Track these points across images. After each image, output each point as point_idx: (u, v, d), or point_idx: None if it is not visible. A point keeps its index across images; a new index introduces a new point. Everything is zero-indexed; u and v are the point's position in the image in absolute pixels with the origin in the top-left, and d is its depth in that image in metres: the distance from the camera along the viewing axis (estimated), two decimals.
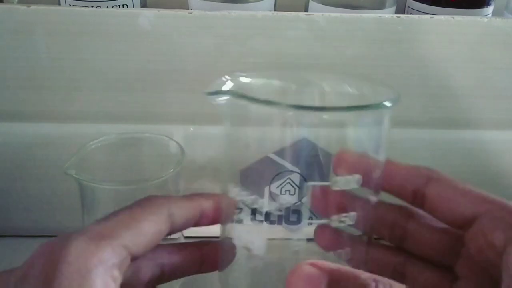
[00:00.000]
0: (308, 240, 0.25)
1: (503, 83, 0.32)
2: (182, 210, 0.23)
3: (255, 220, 0.36)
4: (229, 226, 0.25)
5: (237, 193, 0.25)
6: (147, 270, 0.24)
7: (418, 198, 0.24)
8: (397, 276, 0.25)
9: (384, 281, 0.18)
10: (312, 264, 0.19)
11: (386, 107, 0.22)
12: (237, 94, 0.22)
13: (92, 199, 0.29)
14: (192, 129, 0.33)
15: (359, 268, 0.19)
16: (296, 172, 0.34)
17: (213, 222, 0.25)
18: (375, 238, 0.26)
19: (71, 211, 0.30)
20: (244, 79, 0.25)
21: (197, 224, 0.25)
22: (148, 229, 0.21)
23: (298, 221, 0.36)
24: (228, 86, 0.24)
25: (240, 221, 0.25)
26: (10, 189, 0.34)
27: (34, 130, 0.32)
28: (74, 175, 0.27)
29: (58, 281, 0.18)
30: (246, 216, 0.36)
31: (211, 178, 0.35)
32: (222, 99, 0.23)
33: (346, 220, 0.23)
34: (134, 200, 0.26)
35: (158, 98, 0.32)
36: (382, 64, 0.31)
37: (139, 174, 0.28)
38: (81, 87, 0.31)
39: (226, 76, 0.24)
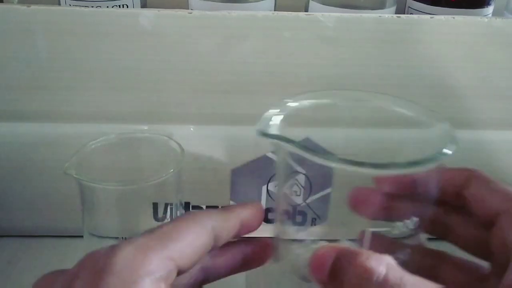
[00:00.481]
0: None
1: (503, 83, 0.32)
2: (223, 223, 0.23)
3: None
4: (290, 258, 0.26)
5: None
6: (191, 276, 0.24)
7: (459, 198, 0.25)
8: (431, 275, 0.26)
9: (381, 258, 0.20)
10: (327, 246, 0.21)
11: (446, 155, 0.22)
12: (285, 139, 0.23)
13: (92, 199, 0.29)
14: (192, 129, 0.33)
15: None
16: (301, 173, 0.34)
17: (252, 230, 0.26)
18: None
19: (71, 211, 0.30)
20: (292, 105, 0.26)
21: (238, 234, 0.25)
22: (194, 241, 0.21)
23: (304, 221, 0.36)
24: (277, 119, 0.24)
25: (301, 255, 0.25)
26: (10, 189, 0.34)
27: (34, 130, 0.32)
28: (74, 175, 0.27)
29: None
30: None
31: (211, 178, 0.35)
32: (271, 141, 0.23)
33: (408, 224, 0.24)
34: (134, 200, 0.26)
35: (158, 98, 0.32)
36: (382, 64, 0.31)
37: (139, 174, 0.28)
38: (81, 87, 0.31)
39: (274, 109, 0.25)
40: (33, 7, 0.29)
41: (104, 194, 0.29)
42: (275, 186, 0.28)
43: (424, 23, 0.30)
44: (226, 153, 0.34)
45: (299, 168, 0.26)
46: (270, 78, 0.31)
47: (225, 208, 0.25)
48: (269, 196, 0.35)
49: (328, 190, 0.28)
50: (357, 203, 0.25)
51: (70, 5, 0.36)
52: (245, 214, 0.25)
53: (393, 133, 0.26)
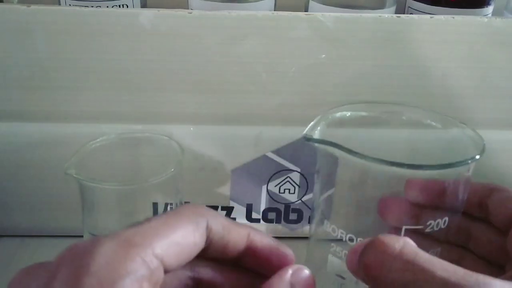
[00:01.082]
0: None
1: (503, 83, 0.32)
2: (219, 226, 0.20)
3: (251, 218, 0.37)
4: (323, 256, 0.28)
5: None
6: (180, 281, 0.21)
7: (482, 209, 0.27)
8: None
9: (395, 236, 0.21)
10: (360, 241, 0.22)
11: (475, 159, 0.25)
12: (331, 144, 0.25)
13: (92, 199, 0.29)
14: (192, 129, 0.33)
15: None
16: (296, 171, 0.34)
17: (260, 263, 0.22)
18: None
19: (71, 211, 0.30)
20: (336, 115, 0.29)
21: (240, 256, 0.21)
22: (183, 238, 0.19)
23: (299, 220, 0.36)
24: (322, 127, 0.27)
25: (335, 254, 0.27)
26: (10, 189, 0.34)
27: (34, 130, 0.32)
28: (74, 175, 0.27)
29: None
30: (241, 215, 0.36)
31: (211, 178, 0.35)
32: (318, 145, 0.26)
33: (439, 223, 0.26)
34: (134, 200, 0.26)
35: (158, 98, 0.32)
36: (382, 64, 0.31)
37: (139, 174, 0.28)
38: (81, 87, 0.31)
39: (319, 118, 0.27)
40: (33, 7, 0.29)
41: (104, 194, 0.29)
42: (314, 191, 0.30)
43: (424, 23, 0.30)
44: (226, 153, 0.34)
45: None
46: (270, 78, 0.31)
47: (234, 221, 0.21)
48: (269, 196, 0.35)
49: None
50: (386, 211, 0.26)
51: (70, 5, 0.36)
52: (258, 238, 0.21)
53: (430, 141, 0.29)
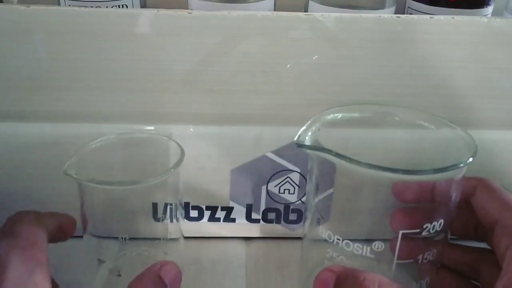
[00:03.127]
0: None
1: (503, 83, 0.32)
2: (50, 224, 0.28)
3: (251, 219, 0.37)
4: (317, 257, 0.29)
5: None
6: None
7: (468, 206, 0.28)
8: (473, 271, 0.29)
9: (374, 277, 0.23)
10: (328, 269, 0.24)
11: (468, 162, 0.25)
12: (322, 150, 0.25)
13: (92, 199, 0.29)
14: (192, 129, 0.33)
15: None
16: (296, 171, 0.34)
17: (66, 237, 0.30)
18: None
19: (71, 211, 0.30)
20: (327, 117, 0.29)
21: (54, 238, 0.29)
22: (45, 238, 0.26)
23: (298, 220, 0.36)
24: (313, 131, 0.27)
25: (331, 259, 0.28)
26: (10, 189, 0.34)
27: (34, 130, 0.32)
28: (74, 175, 0.27)
29: None
30: (241, 215, 0.36)
31: (211, 178, 0.35)
32: (310, 151, 0.26)
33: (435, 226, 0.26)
34: (134, 200, 0.26)
35: (158, 98, 0.32)
36: (382, 64, 0.31)
37: (139, 174, 0.28)
38: (81, 87, 0.31)
39: (311, 121, 0.28)
40: (32, 7, 0.29)
41: (104, 195, 0.29)
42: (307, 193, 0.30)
43: (424, 23, 0.30)
44: (226, 153, 0.34)
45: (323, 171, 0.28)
46: (270, 78, 0.31)
47: (49, 213, 0.29)
48: (269, 196, 0.35)
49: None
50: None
51: (69, 5, 0.36)
52: (62, 220, 0.29)
53: (425, 143, 0.29)
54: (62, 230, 0.29)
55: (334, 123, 0.29)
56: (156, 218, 0.32)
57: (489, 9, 0.38)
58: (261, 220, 0.36)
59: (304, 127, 0.27)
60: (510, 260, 0.24)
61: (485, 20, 0.30)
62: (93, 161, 0.29)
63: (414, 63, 0.31)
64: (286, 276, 0.34)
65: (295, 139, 0.26)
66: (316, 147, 0.26)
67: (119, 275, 0.31)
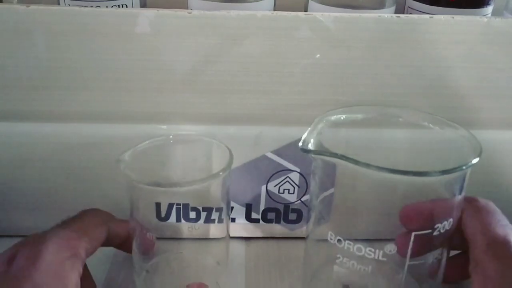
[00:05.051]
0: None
1: (502, 83, 0.32)
2: (116, 228, 0.30)
3: (250, 218, 0.37)
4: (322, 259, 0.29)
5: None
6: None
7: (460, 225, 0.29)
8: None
9: None
10: None
11: (473, 165, 0.25)
12: (330, 154, 0.25)
13: (138, 198, 0.29)
14: (191, 129, 0.33)
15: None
16: (295, 171, 0.34)
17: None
18: None
19: (71, 211, 0.30)
20: (332, 118, 0.29)
21: (122, 245, 0.31)
22: (98, 235, 0.28)
23: (298, 220, 0.36)
24: (317, 133, 0.27)
25: (341, 265, 0.27)
26: (10, 189, 0.34)
27: (34, 130, 0.32)
28: (126, 172, 0.28)
29: (37, 275, 0.24)
30: (240, 215, 0.36)
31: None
32: (315, 156, 0.26)
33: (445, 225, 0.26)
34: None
35: (158, 98, 0.32)
36: (382, 64, 0.31)
37: (186, 176, 0.29)
38: (81, 87, 0.31)
39: (314, 124, 0.28)
40: (32, 7, 0.29)
41: (151, 194, 0.30)
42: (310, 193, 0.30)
43: (424, 23, 0.30)
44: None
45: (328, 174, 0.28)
46: (269, 78, 0.31)
47: (122, 219, 0.31)
48: (269, 196, 0.35)
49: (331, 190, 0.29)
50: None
51: (69, 5, 0.36)
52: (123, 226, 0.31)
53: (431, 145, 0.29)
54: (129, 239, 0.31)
55: (337, 124, 0.29)
56: (159, 217, 0.33)
57: (488, 9, 0.38)
58: (260, 220, 0.36)
59: (308, 131, 0.27)
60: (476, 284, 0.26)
61: (485, 20, 0.30)
62: (143, 161, 0.29)
63: (414, 63, 0.31)
64: (286, 276, 0.34)
65: (300, 144, 0.26)
66: (322, 151, 0.26)
67: (147, 272, 0.31)
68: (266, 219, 0.36)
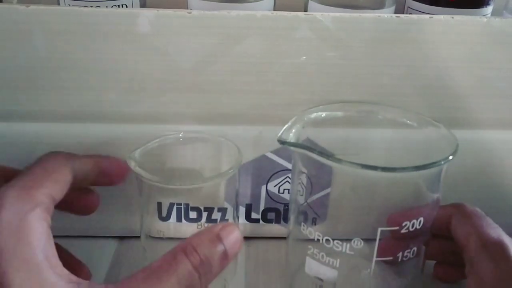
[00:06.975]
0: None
1: (502, 83, 0.32)
2: (82, 165, 0.28)
3: (250, 218, 0.37)
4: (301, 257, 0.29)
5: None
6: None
7: (447, 232, 0.30)
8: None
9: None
10: None
11: (449, 160, 0.25)
12: (305, 147, 0.26)
13: (149, 195, 0.30)
14: (191, 129, 0.33)
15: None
16: (303, 172, 0.34)
17: (114, 181, 0.30)
18: None
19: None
20: (311, 115, 0.29)
21: (97, 181, 0.29)
22: (62, 177, 0.26)
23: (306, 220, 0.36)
24: (297, 129, 0.27)
25: (313, 256, 0.28)
26: None
27: (34, 130, 0.32)
28: (137, 169, 0.28)
29: None
30: (240, 215, 0.36)
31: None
32: (293, 148, 0.26)
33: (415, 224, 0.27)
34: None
35: (158, 98, 0.32)
36: (381, 64, 0.31)
37: (196, 174, 0.29)
38: (80, 87, 0.31)
39: (294, 119, 0.28)
40: (32, 7, 0.29)
41: (163, 192, 0.30)
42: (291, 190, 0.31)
43: (423, 23, 0.30)
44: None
45: (304, 170, 0.28)
46: (269, 78, 0.31)
47: (88, 154, 0.29)
48: (269, 196, 0.35)
49: (328, 190, 0.29)
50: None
51: (69, 5, 0.36)
52: (105, 164, 0.29)
53: (404, 142, 0.30)
54: (105, 173, 0.29)
55: (317, 122, 0.29)
56: (161, 217, 0.32)
57: (488, 9, 0.38)
58: (260, 220, 0.36)
59: (287, 125, 0.27)
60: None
61: (485, 20, 0.30)
62: (152, 159, 0.30)
63: (413, 63, 0.31)
64: (285, 276, 0.34)
65: (278, 136, 0.26)
66: (298, 144, 0.26)
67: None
68: (266, 219, 0.36)
